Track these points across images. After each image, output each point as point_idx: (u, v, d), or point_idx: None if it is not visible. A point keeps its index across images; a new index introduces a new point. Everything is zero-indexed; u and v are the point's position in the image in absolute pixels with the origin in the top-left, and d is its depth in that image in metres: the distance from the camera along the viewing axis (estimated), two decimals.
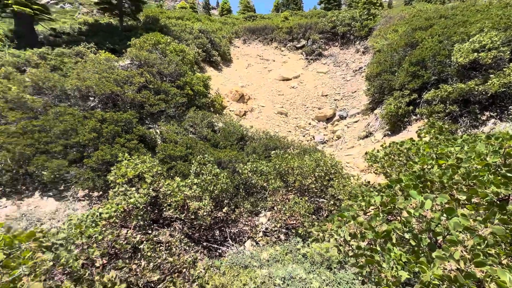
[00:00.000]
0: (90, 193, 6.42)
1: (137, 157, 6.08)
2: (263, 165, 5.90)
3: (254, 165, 5.82)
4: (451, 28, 9.98)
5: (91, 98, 9.11)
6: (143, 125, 8.80)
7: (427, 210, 1.81)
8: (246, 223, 5.35)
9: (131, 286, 3.16)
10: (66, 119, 7.39)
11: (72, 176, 6.41)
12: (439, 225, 1.70)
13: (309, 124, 13.75)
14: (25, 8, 12.17)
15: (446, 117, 8.08)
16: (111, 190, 5.54)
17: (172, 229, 5.36)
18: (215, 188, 5.22)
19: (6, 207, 5.72)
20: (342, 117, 13.60)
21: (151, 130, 8.70)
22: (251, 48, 21.40)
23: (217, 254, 4.98)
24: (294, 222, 4.82)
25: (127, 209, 4.53)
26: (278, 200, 5.13)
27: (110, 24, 18.16)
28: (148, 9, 20.49)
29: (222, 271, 3.62)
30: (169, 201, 5.16)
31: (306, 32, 21.26)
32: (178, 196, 4.91)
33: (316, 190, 5.45)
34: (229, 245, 5.01)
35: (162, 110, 9.48)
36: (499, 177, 1.74)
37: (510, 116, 7.25)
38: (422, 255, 1.69)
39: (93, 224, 3.91)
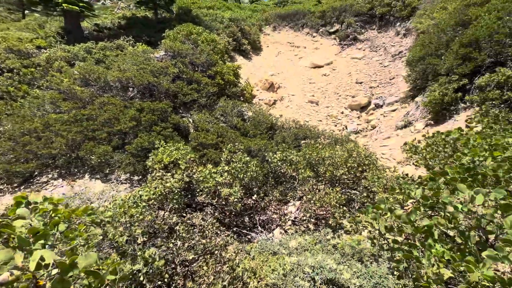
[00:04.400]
0: (131, 177, 6.96)
1: (172, 144, 6.41)
2: (293, 155, 5.84)
3: (284, 154, 5.79)
4: None
5: (130, 89, 9.72)
6: (177, 114, 9.19)
7: (478, 206, 1.65)
8: (275, 211, 5.40)
9: (168, 263, 3.42)
10: (109, 109, 8.01)
11: (115, 161, 6.99)
12: (491, 223, 1.54)
13: (342, 113, 13.17)
14: (73, 7, 13.19)
15: (503, 105, 7.16)
16: (149, 174, 5.95)
17: (204, 213, 5.62)
18: (245, 175, 5.31)
19: (62, 186, 6.47)
20: (378, 106, 12.81)
21: (184, 119, 9.06)
22: (282, 35, 20.84)
23: (247, 239, 5.13)
24: (324, 212, 4.75)
25: (164, 193, 4.84)
26: (307, 190, 5.07)
27: (146, 17, 18.94)
28: (181, 0, 20.97)
29: (252, 255, 3.73)
30: (202, 187, 5.40)
31: (341, 16, 20.04)
32: (210, 182, 5.10)
33: (348, 182, 5.28)
34: (258, 231, 5.13)
35: (194, 100, 9.78)
36: None
37: None
38: (469, 253, 1.56)
39: (135, 205, 4.25)
